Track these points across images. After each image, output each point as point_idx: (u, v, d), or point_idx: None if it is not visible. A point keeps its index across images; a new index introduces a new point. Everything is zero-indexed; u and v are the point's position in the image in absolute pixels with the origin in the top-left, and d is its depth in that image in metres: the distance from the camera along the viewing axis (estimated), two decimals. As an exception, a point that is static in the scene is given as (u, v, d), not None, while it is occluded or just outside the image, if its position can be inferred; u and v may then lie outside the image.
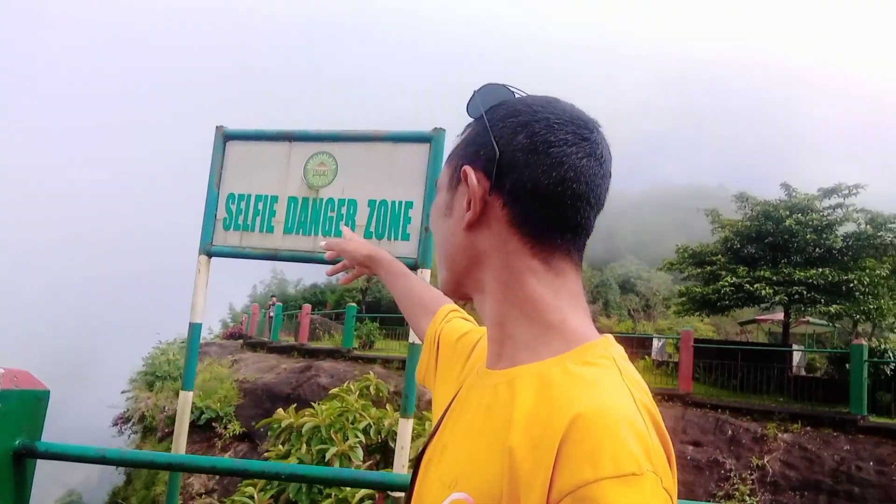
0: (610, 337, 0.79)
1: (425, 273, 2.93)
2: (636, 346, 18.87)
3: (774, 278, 14.43)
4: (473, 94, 0.86)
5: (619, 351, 0.78)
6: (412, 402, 2.92)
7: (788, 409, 11.96)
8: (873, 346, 12.64)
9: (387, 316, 24.86)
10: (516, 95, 0.86)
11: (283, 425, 5.81)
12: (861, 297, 14.00)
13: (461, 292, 0.90)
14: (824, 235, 14.83)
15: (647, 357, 17.49)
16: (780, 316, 18.13)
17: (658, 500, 0.64)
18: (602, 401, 0.68)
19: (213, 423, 14.61)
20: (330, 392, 7.05)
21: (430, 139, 3.03)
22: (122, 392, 18.94)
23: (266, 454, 5.84)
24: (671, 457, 0.70)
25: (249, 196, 3.21)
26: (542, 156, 0.78)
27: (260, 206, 3.19)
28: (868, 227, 14.94)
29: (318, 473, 2.32)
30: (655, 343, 19.17)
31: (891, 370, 12.21)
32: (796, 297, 14.12)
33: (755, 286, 14.36)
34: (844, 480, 10.11)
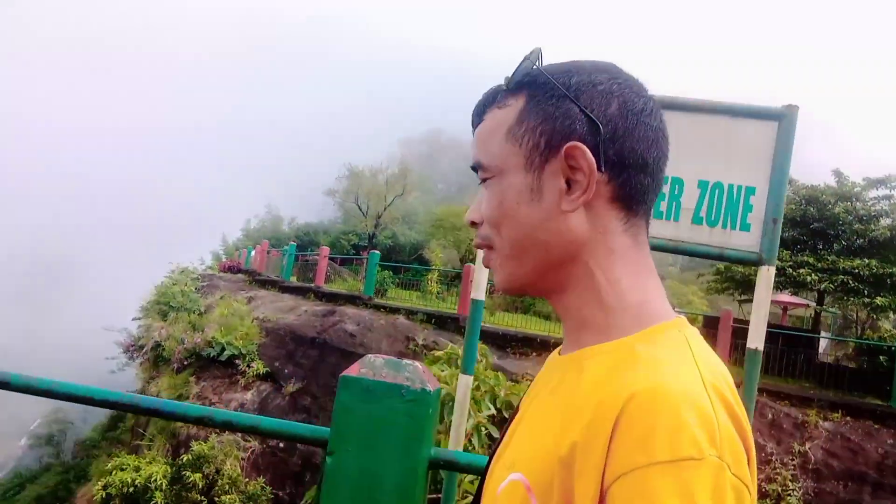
0: (684, 317, 0.75)
1: (770, 271, 2.57)
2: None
3: (818, 265, 14.29)
4: (526, 60, 0.79)
5: (693, 331, 0.73)
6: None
7: (826, 398, 11.95)
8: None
9: (401, 265, 24.36)
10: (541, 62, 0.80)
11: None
12: (904, 291, 13.98)
13: (539, 288, 0.80)
14: (871, 226, 14.71)
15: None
16: (793, 300, 18.15)
17: (720, 489, 0.57)
18: (661, 380, 0.63)
19: (236, 361, 14.30)
20: (434, 354, 6.75)
21: (781, 117, 2.64)
22: (134, 319, 18.52)
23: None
24: (748, 443, 0.64)
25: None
26: (637, 124, 0.75)
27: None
28: (913, 220, 14.85)
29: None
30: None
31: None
32: (840, 285, 14.01)
33: (798, 271, 14.22)
34: (890, 474, 10.17)
